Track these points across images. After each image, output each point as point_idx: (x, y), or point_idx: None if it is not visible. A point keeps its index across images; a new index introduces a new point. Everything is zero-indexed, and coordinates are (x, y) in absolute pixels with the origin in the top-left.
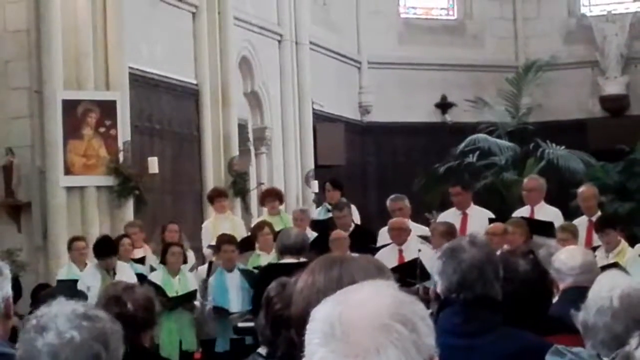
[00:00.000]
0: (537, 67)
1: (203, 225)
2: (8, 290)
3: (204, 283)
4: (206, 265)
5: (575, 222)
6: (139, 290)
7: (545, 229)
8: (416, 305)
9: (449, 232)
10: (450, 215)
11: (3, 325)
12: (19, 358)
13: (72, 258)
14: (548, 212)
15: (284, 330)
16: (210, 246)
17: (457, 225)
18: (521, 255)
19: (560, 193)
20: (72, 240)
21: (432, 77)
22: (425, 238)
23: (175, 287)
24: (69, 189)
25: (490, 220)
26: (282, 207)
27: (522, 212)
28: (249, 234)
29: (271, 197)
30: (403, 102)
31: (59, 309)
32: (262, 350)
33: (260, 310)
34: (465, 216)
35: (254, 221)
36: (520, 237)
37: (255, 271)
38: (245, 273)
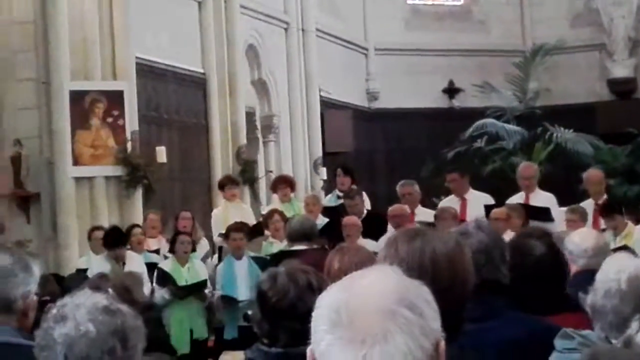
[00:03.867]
0: (544, 51)
1: (213, 214)
2: (31, 288)
3: (215, 270)
4: (216, 254)
5: (582, 204)
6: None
7: (542, 214)
8: (422, 290)
9: (455, 217)
10: (450, 202)
11: (20, 322)
12: (37, 345)
13: (92, 247)
14: (542, 198)
15: (284, 322)
16: (220, 234)
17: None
18: (537, 237)
19: (568, 176)
20: (92, 230)
21: (439, 62)
22: (428, 224)
23: (185, 276)
24: (78, 179)
25: (486, 207)
26: (293, 195)
27: (517, 198)
28: (258, 221)
29: (283, 184)
30: (410, 88)
31: (82, 300)
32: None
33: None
34: (464, 201)
35: (263, 209)
36: (519, 220)
37: (267, 257)
38: (257, 260)
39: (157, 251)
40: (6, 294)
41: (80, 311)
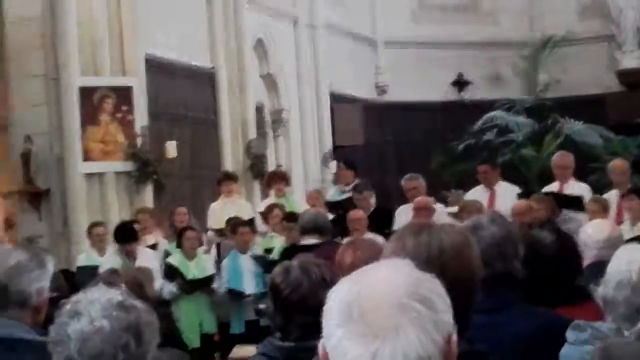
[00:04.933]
0: (553, 42)
1: (210, 208)
2: (45, 285)
3: (216, 266)
4: (214, 250)
5: (606, 195)
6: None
7: (574, 203)
8: (433, 283)
9: (481, 210)
10: (478, 192)
11: (33, 318)
12: (51, 340)
13: (91, 244)
14: (578, 188)
15: (297, 315)
16: (212, 229)
17: (485, 202)
18: (540, 227)
19: (579, 168)
20: (92, 226)
21: (448, 55)
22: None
23: (192, 270)
24: (88, 175)
25: (519, 195)
26: (288, 189)
27: (552, 187)
28: (251, 218)
29: (277, 179)
30: (419, 81)
31: (96, 296)
32: (277, 333)
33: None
34: (493, 192)
35: (261, 204)
36: (545, 212)
37: (268, 256)
38: (257, 259)
39: (153, 246)
40: (22, 289)
41: (94, 307)
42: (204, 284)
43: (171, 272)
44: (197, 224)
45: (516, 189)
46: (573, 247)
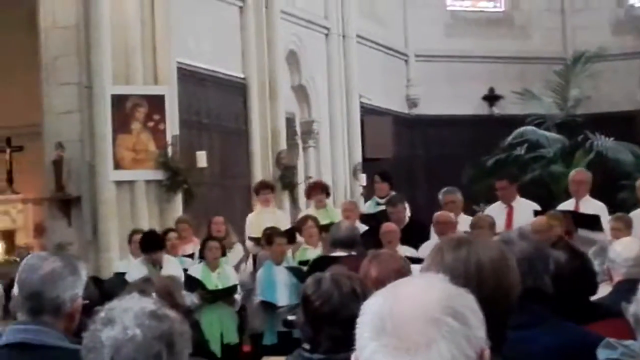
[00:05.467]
0: (585, 58)
1: (247, 218)
2: (79, 292)
3: (251, 276)
4: (250, 261)
5: (633, 214)
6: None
7: (591, 222)
8: (466, 298)
9: (492, 226)
10: (496, 209)
11: (66, 324)
12: (84, 347)
13: (132, 251)
14: (593, 206)
15: (326, 327)
16: (251, 238)
17: (503, 218)
18: (553, 246)
19: (609, 185)
20: (132, 234)
21: (480, 69)
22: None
23: (214, 281)
24: (119, 183)
25: (536, 213)
26: (328, 200)
27: (567, 205)
28: (291, 227)
29: (317, 190)
30: (450, 95)
31: (130, 305)
32: (307, 345)
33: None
34: (510, 209)
35: (301, 215)
36: (559, 229)
37: (303, 268)
38: (292, 270)
39: (191, 255)
40: (56, 296)
41: (127, 315)
42: (226, 294)
43: (191, 283)
44: (235, 234)
45: (534, 206)
46: (587, 266)
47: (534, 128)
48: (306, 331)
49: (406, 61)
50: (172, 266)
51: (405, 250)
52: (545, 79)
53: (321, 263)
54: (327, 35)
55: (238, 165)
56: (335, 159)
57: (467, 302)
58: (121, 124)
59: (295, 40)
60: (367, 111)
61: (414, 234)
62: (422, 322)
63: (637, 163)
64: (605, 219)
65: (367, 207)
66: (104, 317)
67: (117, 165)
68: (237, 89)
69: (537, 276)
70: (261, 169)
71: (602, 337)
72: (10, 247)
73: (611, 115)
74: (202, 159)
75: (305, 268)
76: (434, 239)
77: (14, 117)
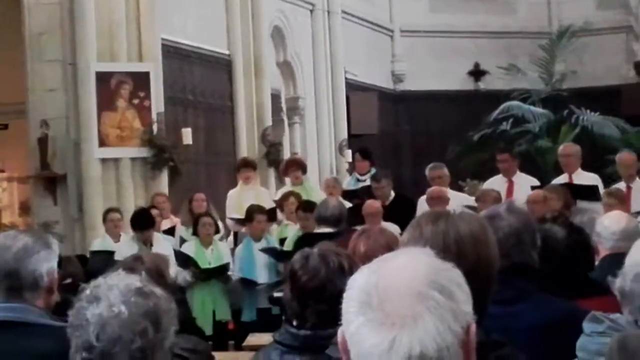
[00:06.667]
0: (570, 33)
1: (228, 195)
2: (54, 264)
3: (231, 253)
4: (231, 237)
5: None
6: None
7: (589, 193)
8: (452, 272)
9: (499, 199)
10: (497, 182)
11: (45, 300)
12: (69, 325)
13: (107, 229)
14: (587, 178)
15: (313, 303)
16: (232, 218)
17: (503, 192)
18: (552, 221)
19: (595, 160)
20: (107, 212)
21: (465, 44)
22: (471, 208)
23: (208, 258)
24: (104, 160)
25: (533, 188)
26: (305, 177)
27: (561, 179)
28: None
29: (294, 166)
30: (436, 70)
31: (115, 282)
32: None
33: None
34: (511, 183)
35: (281, 191)
36: (558, 202)
37: (278, 247)
38: (267, 251)
39: (170, 231)
40: (33, 270)
41: (113, 292)
42: (218, 272)
43: (183, 260)
44: (215, 211)
45: (534, 181)
46: (585, 242)
47: (519, 103)
48: (292, 307)
49: (391, 37)
50: (162, 244)
51: (389, 227)
52: (531, 54)
53: (307, 240)
54: (312, 11)
55: (223, 142)
56: (321, 135)
57: (454, 276)
58: (106, 101)
59: (280, 17)
60: (353, 87)
61: (400, 210)
62: (408, 296)
63: (622, 138)
64: (601, 190)
65: (347, 184)
66: (89, 294)
67: (102, 143)
68: (222, 66)
69: (525, 251)
70: (247, 146)
71: (589, 312)
72: None
73: (596, 89)
74: (187, 136)
75: (280, 248)
76: None
77: None
